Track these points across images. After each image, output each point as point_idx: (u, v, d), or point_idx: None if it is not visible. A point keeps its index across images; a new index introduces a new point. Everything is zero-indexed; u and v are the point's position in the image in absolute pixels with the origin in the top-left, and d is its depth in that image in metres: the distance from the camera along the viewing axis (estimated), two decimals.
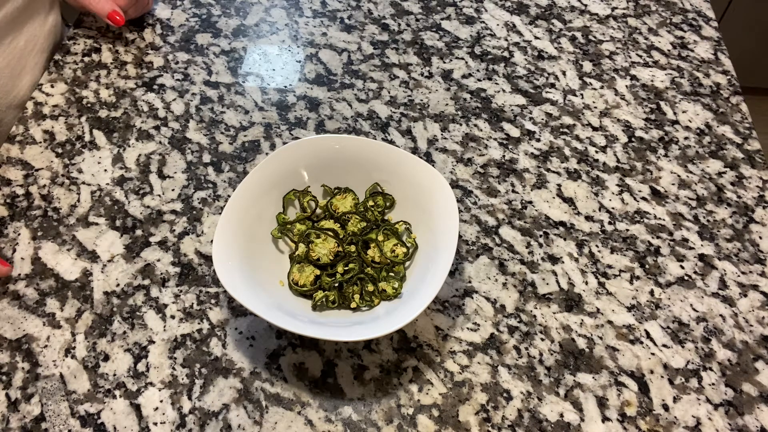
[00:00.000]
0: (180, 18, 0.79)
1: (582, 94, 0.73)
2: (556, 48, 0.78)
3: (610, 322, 0.56)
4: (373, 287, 0.53)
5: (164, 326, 0.54)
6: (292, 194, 0.57)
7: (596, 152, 0.68)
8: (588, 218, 0.63)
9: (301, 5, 0.81)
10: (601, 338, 0.55)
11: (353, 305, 0.53)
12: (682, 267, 0.60)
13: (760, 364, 0.54)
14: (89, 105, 0.69)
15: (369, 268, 0.54)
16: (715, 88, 0.75)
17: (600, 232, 0.62)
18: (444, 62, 0.76)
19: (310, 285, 0.53)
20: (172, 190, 0.63)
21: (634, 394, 0.52)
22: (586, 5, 0.84)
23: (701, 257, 0.60)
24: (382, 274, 0.54)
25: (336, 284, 0.53)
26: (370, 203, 0.57)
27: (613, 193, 0.65)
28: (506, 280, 0.58)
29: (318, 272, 0.54)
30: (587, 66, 0.76)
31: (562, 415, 0.50)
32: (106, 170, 0.64)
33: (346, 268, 0.54)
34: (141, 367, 0.51)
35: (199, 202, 0.62)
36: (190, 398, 0.50)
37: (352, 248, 0.55)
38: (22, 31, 0.71)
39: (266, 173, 0.55)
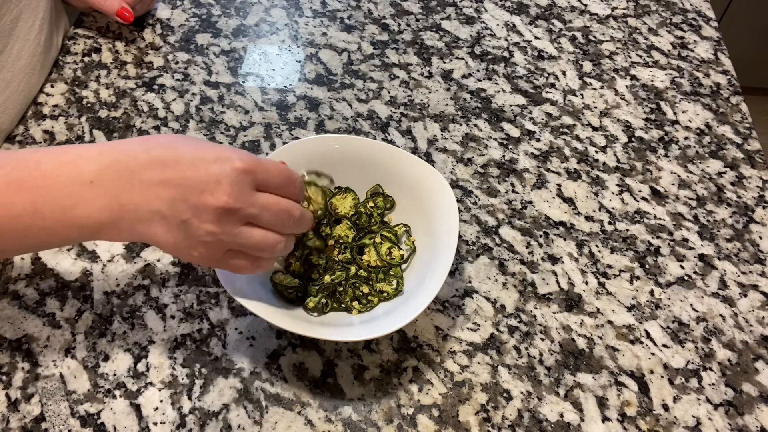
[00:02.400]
0: (180, 18, 0.79)
1: (582, 94, 0.73)
2: (556, 48, 0.78)
3: (610, 322, 0.56)
4: (368, 288, 0.53)
5: (164, 326, 0.54)
6: None
7: (596, 152, 0.68)
8: (588, 218, 0.63)
9: (301, 5, 0.81)
10: (601, 338, 0.55)
11: (354, 313, 0.52)
12: (682, 267, 0.60)
13: (760, 364, 0.54)
14: (89, 105, 0.69)
15: (361, 271, 0.54)
16: (715, 88, 0.75)
17: (600, 232, 0.62)
18: (444, 62, 0.76)
19: (290, 292, 0.52)
20: None
21: (634, 394, 0.52)
22: (586, 5, 0.84)
23: (701, 257, 0.60)
24: (380, 275, 0.54)
25: (327, 290, 0.53)
26: (370, 204, 0.57)
27: (613, 193, 0.65)
28: (506, 280, 0.58)
29: (296, 283, 0.52)
30: (587, 66, 0.76)
31: (562, 415, 0.50)
32: None
33: (332, 277, 0.53)
34: (141, 367, 0.51)
35: None
36: (190, 398, 0.50)
37: (347, 255, 0.55)
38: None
39: None
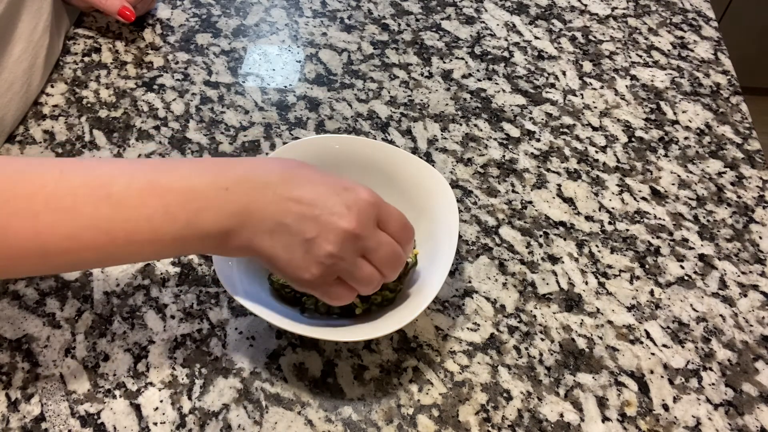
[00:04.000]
0: (180, 18, 0.79)
1: (582, 94, 0.73)
2: (556, 48, 0.78)
3: (610, 322, 0.56)
4: None
5: (164, 326, 0.54)
6: None
7: (596, 152, 0.68)
8: (588, 218, 0.63)
9: (301, 5, 0.81)
10: (601, 338, 0.55)
11: (358, 311, 0.52)
12: (682, 267, 0.60)
13: (760, 364, 0.54)
14: (89, 105, 0.69)
15: None
16: (715, 88, 0.75)
17: (600, 232, 0.62)
18: (444, 62, 0.76)
19: (288, 291, 0.52)
20: None
21: (634, 394, 0.52)
22: (586, 5, 0.84)
23: (701, 257, 0.60)
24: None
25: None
26: None
27: (613, 193, 0.65)
28: (506, 280, 0.58)
29: None
30: (587, 66, 0.76)
31: (562, 415, 0.50)
32: None
33: None
34: (141, 367, 0.51)
35: None
36: (190, 398, 0.50)
37: None
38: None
39: None
